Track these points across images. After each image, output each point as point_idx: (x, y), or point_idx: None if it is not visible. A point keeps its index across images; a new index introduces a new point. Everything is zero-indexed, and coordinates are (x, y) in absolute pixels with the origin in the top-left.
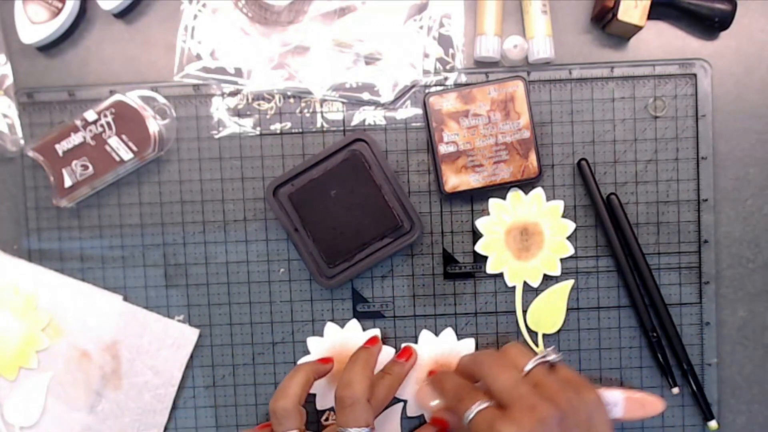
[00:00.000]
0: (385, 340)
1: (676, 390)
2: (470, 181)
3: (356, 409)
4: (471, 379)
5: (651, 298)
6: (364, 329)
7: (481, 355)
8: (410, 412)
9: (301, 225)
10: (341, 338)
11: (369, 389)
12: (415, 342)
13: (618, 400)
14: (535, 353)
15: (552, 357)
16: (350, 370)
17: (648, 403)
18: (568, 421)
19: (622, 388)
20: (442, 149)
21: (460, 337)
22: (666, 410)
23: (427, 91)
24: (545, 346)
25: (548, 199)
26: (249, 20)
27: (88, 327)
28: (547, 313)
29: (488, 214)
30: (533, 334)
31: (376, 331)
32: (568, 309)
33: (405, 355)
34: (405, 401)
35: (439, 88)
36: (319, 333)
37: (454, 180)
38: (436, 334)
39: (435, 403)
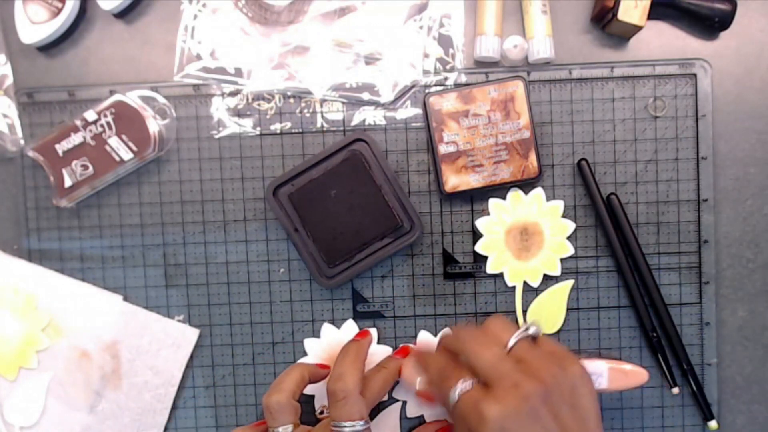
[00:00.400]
0: (385, 340)
1: (676, 390)
2: (470, 181)
3: (349, 403)
4: (454, 356)
5: (651, 298)
6: (361, 329)
7: (463, 331)
8: (410, 413)
9: (301, 225)
10: (338, 339)
11: (361, 382)
12: (414, 342)
13: (602, 371)
14: (518, 327)
15: (533, 330)
16: (341, 363)
17: (632, 374)
18: (553, 396)
19: (605, 358)
20: (442, 149)
21: None
22: (666, 411)
23: (427, 91)
24: None
25: (548, 199)
26: (249, 20)
27: (88, 327)
28: (547, 313)
29: (488, 214)
30: None
31: (372, 331)
32: (568, 309)
33: (402, 353)
34: (404, 401)
35: (439, 88)
36: (319, 334)
37: (454, 180)
38: (436, 334)
39: (419, 380)
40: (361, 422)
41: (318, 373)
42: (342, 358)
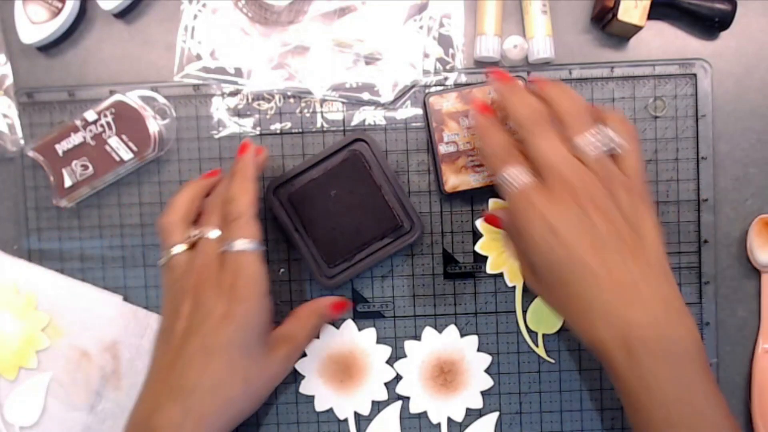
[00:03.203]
0: (385, 340)
1: None
2: (470, 180)
3: (241, 222)
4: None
5: None
6: (361, 329)
7: (529, 109)
8: (413, 410)
9: (300, 225)
10: (338, 339)
11: (254, 202)
12: (418, 340)
13: None
14: (596, 116)
15: (616, 142)
16: (230, 186)
17: None
18: (607, 205)
19: None
20: (442, 149)
21: (462, 335)
22: None
23: (427, 91)
24: (545, 346)
25: None
26: (249, 20)
27: (88, 327)
28: (548, 312)
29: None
30: (533, 333)
31: (371, 332)
32: None
33: (244, 147)
34: (407, 398)
35: (439, 88)
36: (317, 334)
37: (454, 180)
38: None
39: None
40: (253, 242)
41: (209, 183)
42: (230, 180)
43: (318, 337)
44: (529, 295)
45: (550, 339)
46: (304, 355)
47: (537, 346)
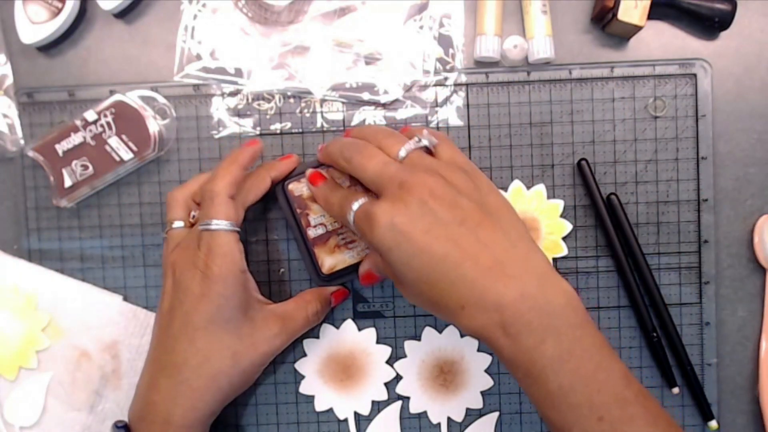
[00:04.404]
0: (385, 340)
1: (676, 390)
2: (346, 258)
3: (215, 202)
4: (355, 181)
5: (651, 298)
6: (361, 329)
7: (347, 146)
8: (413, 409)
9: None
10: (338, 339)
11: (233, 186)
12: (418, 340)
13: None
14: (408, 136)
15: (426, 140)
16: (216, 168)
17: None
18: (446, 190)
19: None
20: (312, 233)
21: (462, 335)
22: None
23: (286, 182)
24: None
25: (548, 198)
26: (249, 20)
27: (88, 327)
28: None
29: None
30: None
31: (371, 331)
32: None
33: (250, 143)
34: (407, 398)
35: (294, 176)
36: (317, 334)
37: (330, 261)
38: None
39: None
40: (227, 222)
41: (246, 158)
42: (219, 163)
43: (318, 337)
44: None
45: None
46: (304, 355)
47: None
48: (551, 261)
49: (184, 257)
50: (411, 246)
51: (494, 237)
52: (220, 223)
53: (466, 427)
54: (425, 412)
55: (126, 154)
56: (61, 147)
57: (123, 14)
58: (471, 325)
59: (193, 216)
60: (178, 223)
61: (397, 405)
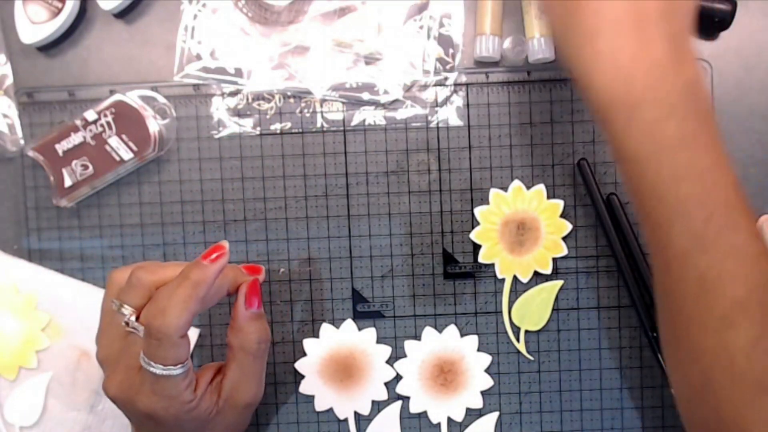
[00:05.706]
0: (385, 340)
1: None
2: None
3: (163, 346)
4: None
5: (651, 298)
6: (361, 329)
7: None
8: (413, 409)
9: None
10: (338, 339)
11: (188, 324)
12: (418, 340)
13: None
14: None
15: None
16: (169, 295)
17: None
18: None
19: None
20: None
21: (462, 335)
22: (666, 411)
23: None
24: (526, 344)
25: (548, 198)
26: (249, 20)
27: (88, 327)
28: (533, 309)
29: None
30: (516, 329)
31: (371, 331)
32: (563, 309)
33: (215, 251)
34: (407, 398)
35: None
36: (317, 334)
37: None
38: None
39: None
40: (177, 368)
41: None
42: (174, 288)
43: (318, 337)
44: (518, 290)
45: (532, 337)
46: (304, 354)
47: (518, 341)
48: (551, 261)
49: (126, 386)
50: None
51: None
52: (168, 369)
53: (466, 427)
54: (425, 412)
55: (126, 154)
56: (61, 147)
57: (123, 14)
58: (595, 82)
59: (127, 314)
60: (127, 309)
61: (397, 405)
